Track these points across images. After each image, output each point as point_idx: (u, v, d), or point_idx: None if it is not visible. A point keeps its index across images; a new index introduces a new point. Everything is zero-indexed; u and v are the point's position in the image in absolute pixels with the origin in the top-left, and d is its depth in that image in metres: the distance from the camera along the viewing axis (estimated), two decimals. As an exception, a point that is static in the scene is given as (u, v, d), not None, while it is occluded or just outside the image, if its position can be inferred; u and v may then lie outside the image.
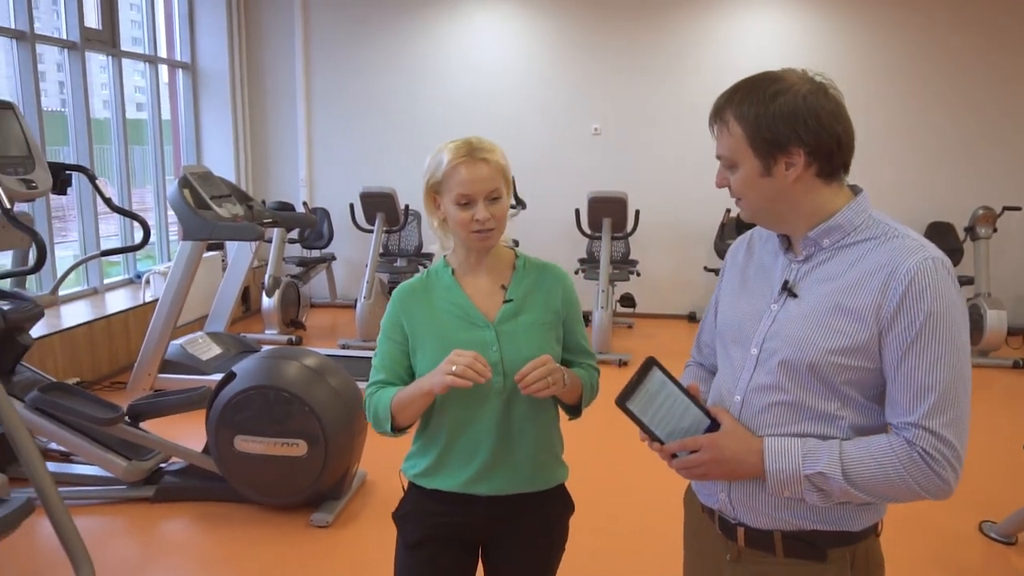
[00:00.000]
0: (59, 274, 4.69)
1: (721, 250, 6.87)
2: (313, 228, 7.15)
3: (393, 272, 6.97)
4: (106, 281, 6.21)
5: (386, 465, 3.41)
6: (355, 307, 6.23)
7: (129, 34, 6.59)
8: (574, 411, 1.77)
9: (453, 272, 1.72)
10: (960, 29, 6.81)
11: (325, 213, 7.37)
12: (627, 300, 6.67)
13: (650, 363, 1.36)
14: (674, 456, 1.36)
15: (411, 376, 1.71)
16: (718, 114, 1.33)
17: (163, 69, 7.03)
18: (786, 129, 1.25)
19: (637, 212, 6.43)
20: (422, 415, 1.69)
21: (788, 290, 1.35)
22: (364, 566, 3.09)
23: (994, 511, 3.45)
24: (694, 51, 7.09)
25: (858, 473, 1.25)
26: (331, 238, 7.39)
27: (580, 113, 7.27)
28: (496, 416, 1.65)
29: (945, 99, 6.90)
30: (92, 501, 3.55)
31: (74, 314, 5.41)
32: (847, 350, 1.27)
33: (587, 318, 6.46)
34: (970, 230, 6.34)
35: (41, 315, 3.63)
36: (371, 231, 6.47)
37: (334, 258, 7.42)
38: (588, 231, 6.52)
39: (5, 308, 3.45)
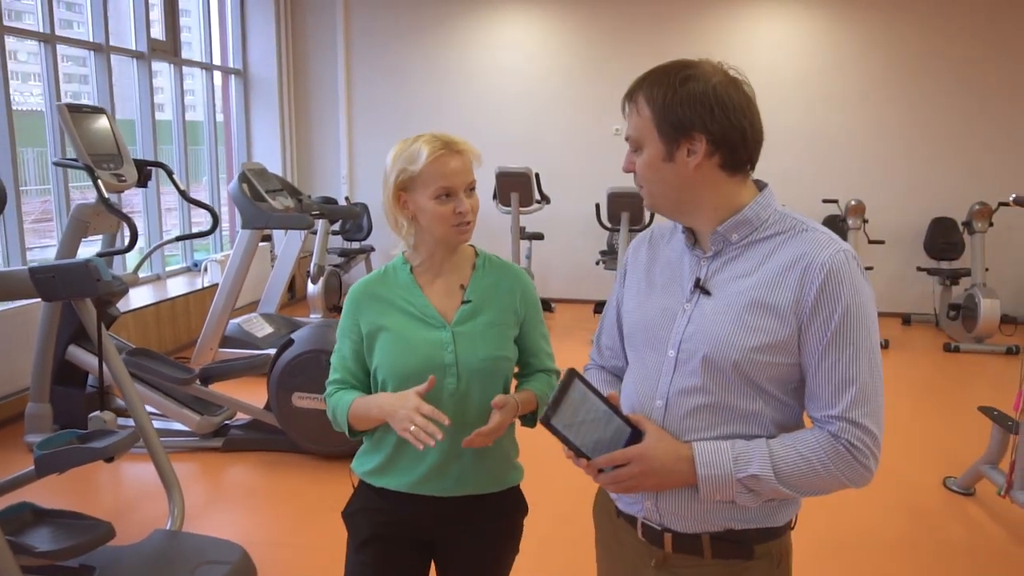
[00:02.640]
0: (134, 258, 5.31)
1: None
2: (356, 220, 7.71)
3: (427, 262, 7.51)
4: (167, 268, 6.84)
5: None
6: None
7: (183, 42, 7.20)
8: (528, 421, 1.74)
9: (412, 270, 1.69)
10: (966, 31, 7.18)
11: (365, 207, 7.93)
12: (644, 289, 7.14)
13: (571, 375, 1.30)
14: (600, 471, 1.31)
15: (365, 374, 1.70)
16: (630, 96, 1.32)
17: (217, 75, 7.65)
18: (691, 114, 1.25)
19: (653, 207, 6.90)
20: None
21: (701, 288, 1.33)
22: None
23: (959, 470, 3.88)
24: (714, 56, 7.52)
25: (788, 471, 1.25)
26: (370, 230, 7.96)
27: (602, 114, 7.74)
28: (448, 418, 1.60)
29: (948, 100, 7.28)
30: (168, 451, 4.11)
31: (141, 296, 6.03)
32: (769, 347, 1.26)
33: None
34: (967, 224, 6.71)
35: (126, 291, 4.21)
36: (407, 224, 7.01)
37: (373, 249, 7.98)
38: (608, 224, 6.99)
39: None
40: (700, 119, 1.25)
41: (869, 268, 1.34)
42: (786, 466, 1.25)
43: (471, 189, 1.65)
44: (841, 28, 7.34)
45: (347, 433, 1.68)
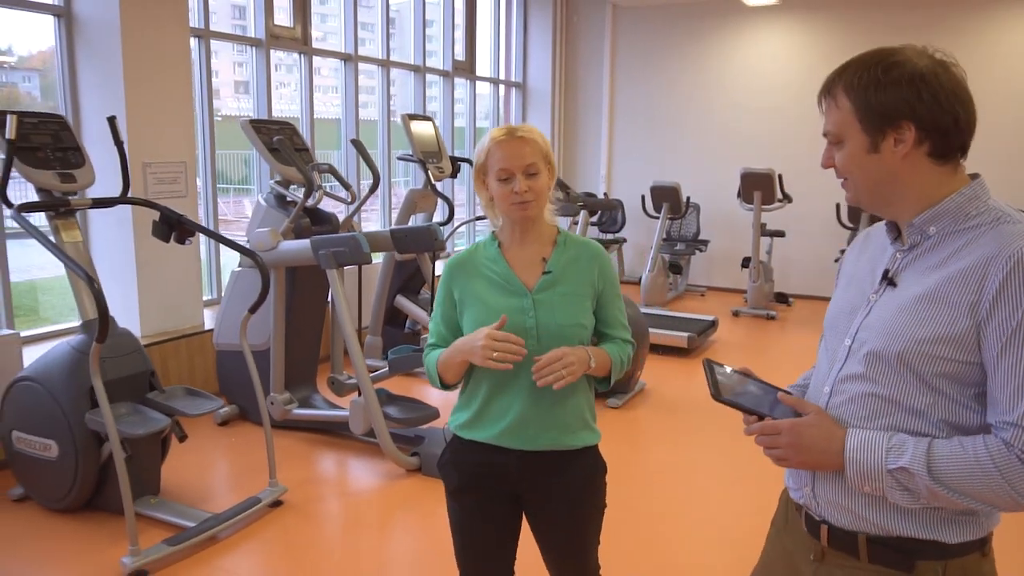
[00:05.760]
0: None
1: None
2: (612, 213, 8.71)
3: (673, 254, 8.32)
4: (454, 248, 8.27)
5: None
6: (639, 283, 7.71)
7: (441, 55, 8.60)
8: (603, 383, 1.86)
9: (499, 245, 1.85)
10: None
11: (620, 203, 8.90)
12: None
13: (707, 363, 1.37)
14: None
15: (455, 338, 1.84)
16: (828, 89, 1.27)
17: (501, 87, 9.02)
18: (897, 101, 1.18)
19: (896, 208, 7.14)
20: (465, 374, 1.84)
21: (888, 279, 1.28)
22: (638, 435, 4.53)
23: None
24: (981, 63, 7.58)
25: (946, 471, 1.16)
26: (623, 224, 8.92)
27: (851, 119, 8.06)
28: (529, 377, 1.72)
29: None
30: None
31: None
32: (939, 339, 1.18)
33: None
34: None
35: (438, 254, 5.51)
36: (657, 218, 7.90)
37: (625, 241, 8.93)
38: (848, 224, 7.35)
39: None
40: (907, 106, 1.18)
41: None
42: (943, 463, 1.16)
43: (531, 174, 1.76)
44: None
45: (440, 385, 1.86)
